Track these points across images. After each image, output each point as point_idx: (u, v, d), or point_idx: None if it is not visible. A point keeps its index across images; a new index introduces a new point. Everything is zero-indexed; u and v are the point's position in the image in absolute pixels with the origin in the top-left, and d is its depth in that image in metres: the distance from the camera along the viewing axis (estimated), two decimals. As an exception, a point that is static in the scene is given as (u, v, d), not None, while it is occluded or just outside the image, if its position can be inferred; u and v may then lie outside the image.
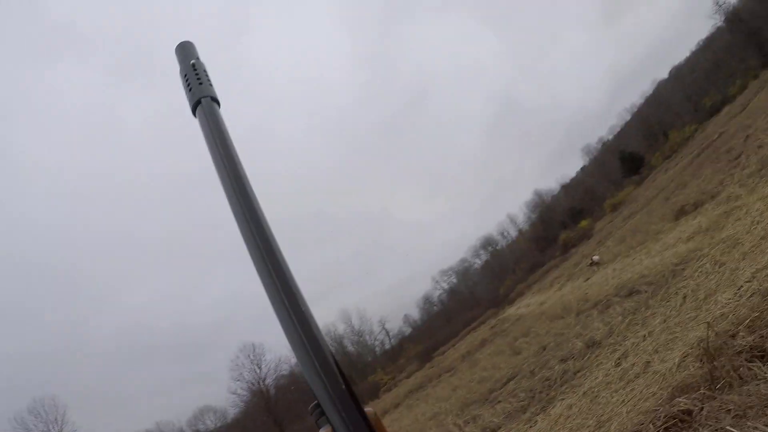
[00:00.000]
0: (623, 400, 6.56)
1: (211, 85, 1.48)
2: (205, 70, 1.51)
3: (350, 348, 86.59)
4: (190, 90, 1.45)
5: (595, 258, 21.51)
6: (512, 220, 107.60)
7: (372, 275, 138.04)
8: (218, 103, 1.46)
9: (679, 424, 4.29)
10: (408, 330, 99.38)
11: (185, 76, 1.48)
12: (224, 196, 1.31)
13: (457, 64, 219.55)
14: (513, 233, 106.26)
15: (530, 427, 9.10)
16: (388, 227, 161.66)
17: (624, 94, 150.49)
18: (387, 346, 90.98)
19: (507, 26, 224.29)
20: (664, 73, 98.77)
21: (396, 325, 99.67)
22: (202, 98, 1.43)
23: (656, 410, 4.73)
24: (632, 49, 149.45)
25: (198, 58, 1.54)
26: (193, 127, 1.42)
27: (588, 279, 21.11)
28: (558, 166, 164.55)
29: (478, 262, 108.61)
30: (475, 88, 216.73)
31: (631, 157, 70.07)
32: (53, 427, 47.11)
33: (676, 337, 7.41)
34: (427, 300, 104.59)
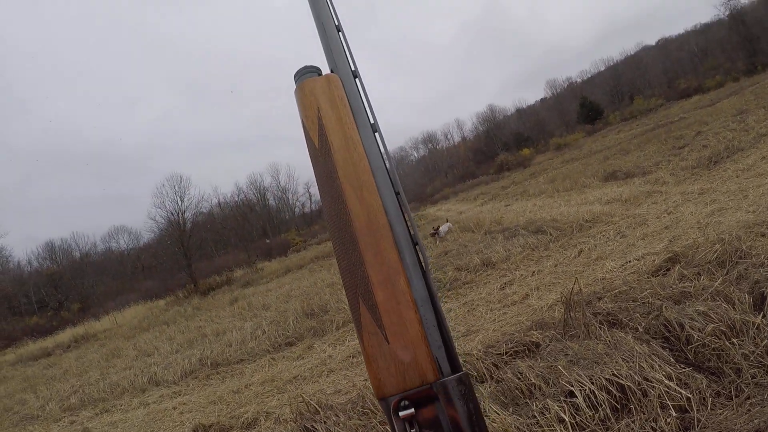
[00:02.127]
0: (494, 319, 7.37)
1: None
2: None
3: (272, 202, 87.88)
4: None
5: (442, 228, 18.32)
6: (459, 125, 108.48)
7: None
8: None
9: (526, 352, 5.06)
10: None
11: None
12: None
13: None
14: (456, 138, 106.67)
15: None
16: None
17: (606, 45, 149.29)
18: (307, 210, 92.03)
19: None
20: (651, 40, 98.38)
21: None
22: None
23: (513, 335, 5.49)
24: (634, 3, 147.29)
25: None
26: None
27: (508, 205, 22.00)
28: (520, 89, 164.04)
29: (414, 155, 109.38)
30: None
31: (591, 107, 70.50)
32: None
33: (558, 282, 8.25)
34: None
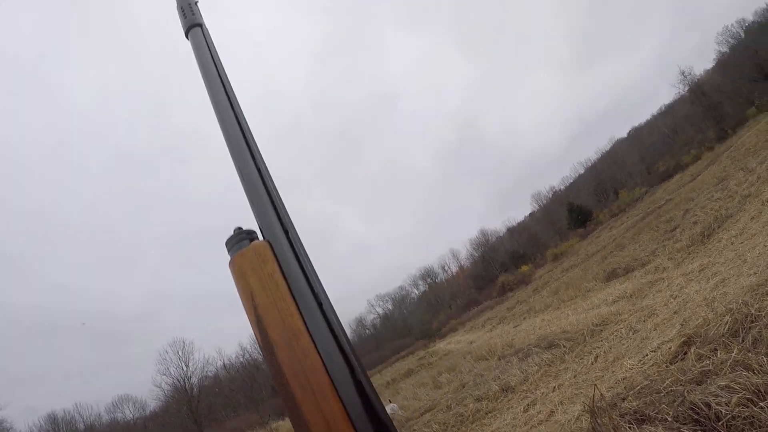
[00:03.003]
0: (523, 444, 7.04)
1: (201, 15, 1.58)
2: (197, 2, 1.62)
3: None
4: (184, 18, 1.56)
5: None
6: (454, 254, 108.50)
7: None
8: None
9: (561, 470, 4.79)
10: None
11: (181, 7, 1.59)
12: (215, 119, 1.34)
13: (422, 82, 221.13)
14: (454, 268, 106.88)
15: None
16: (330, 241, 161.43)
17: (580, 147, 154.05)
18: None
19: (480, 54, 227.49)
20: (622, 133, 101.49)
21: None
22: (195, 25, 1.54)
23: (545, 455, 5.22)
24: (596, 102, 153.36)
25: None
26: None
27: (517, 326, 21.68)
28: (506, 208, 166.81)
29: (415, 292, 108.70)
30: (438, 109, 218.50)
31: (579, 210, 71.25)
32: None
33: (581, 392, 7.95)
34: (360, 322, 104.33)
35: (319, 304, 0.99)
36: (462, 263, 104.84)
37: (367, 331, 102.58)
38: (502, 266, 77.91)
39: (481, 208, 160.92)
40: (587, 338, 11.54)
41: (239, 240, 1.08)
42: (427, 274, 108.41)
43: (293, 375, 0.90)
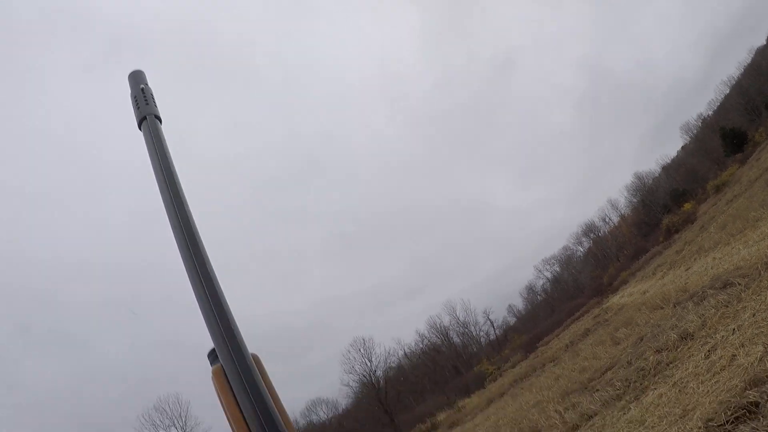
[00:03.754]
0: (707, 391, 7.07)
1: (156, 105, 1.66)
2: (152, 94, 1.69)
3: (456, 339, 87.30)
4: (138, 108, 1.64)
5: None
6: (613, 205, 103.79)
7: (473, 265, 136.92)
8: (160, 121, 1.64)
9: (747, 414, 4.90)
10: (512, 320, 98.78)
11: (134, 97, 1.67)
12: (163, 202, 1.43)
13: (541, 33, 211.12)
14: (615, 219, 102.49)
15: (624, 414, 9.64)
16: (485, 215, 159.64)
17: (720, 64, 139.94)
18: (492, 337, 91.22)
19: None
20: (761, 39, 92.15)
21: (500, 315, 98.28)
22: (147, 116, 1.62)
23: (730, 401, 5.32)
24: (725, 9, 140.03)
25: (147, 84, 1.71)
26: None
27: (689, 268, 20.99)
28: (657, 146, 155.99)
29: (580, 250, 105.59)
30: (563, 58, 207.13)
31: (733, 134, 65.83)
32: (177, 422, 50.35)
33: (762, 332, 7.82)
34: (530, 289, 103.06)
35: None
36: (622, 212, 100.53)
37: (538, 297, 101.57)
38: (664, 208, 73.93)
39: (631, 151, 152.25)
40: (762, 272, 11.08)
41: (213, 358, 1.21)
42: (589, 230, 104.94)
43: None
